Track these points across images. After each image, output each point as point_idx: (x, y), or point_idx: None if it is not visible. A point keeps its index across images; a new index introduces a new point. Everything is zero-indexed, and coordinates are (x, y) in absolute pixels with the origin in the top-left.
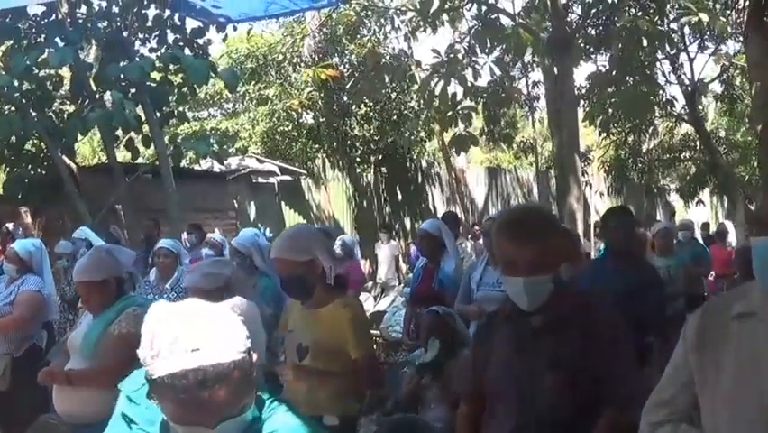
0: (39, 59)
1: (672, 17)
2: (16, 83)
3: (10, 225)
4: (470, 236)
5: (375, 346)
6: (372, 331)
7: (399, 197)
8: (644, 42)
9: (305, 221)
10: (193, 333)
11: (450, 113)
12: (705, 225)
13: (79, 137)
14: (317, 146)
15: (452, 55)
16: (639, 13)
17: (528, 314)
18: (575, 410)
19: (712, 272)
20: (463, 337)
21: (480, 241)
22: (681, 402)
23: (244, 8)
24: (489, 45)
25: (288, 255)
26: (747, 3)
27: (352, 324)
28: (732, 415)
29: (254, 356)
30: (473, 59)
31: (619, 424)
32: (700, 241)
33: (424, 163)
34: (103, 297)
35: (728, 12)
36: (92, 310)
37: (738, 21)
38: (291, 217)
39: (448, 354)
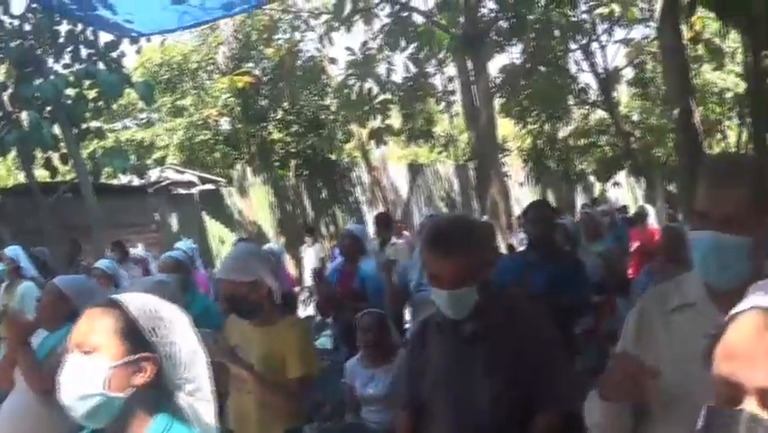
0: None
1: (583, 8)
2: None
3: None
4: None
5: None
6: None
7: (322, 199)
8: (557, 33)
9: (227, 230)
10: None
11: (366, 107)
12: (623, 208)
13: None
14: (236, 153)
15: (366, 53)
16: (551, 6)
17: (459, 322)
18: (512, 415)
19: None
20: (396, 340)
21: (402, 240)
22: None
23: (156, 22)
24: (402, 43)
25: (233, 276)
26: None
27: (298, 344)
28: (673, 406)
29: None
30: (388, 54)
31: (550, 427)
32: (620, 224)
33: (344, 164)
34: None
35: (637, 1)
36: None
37: (649, 9)
38: (213, 227)
39: (382, 358)
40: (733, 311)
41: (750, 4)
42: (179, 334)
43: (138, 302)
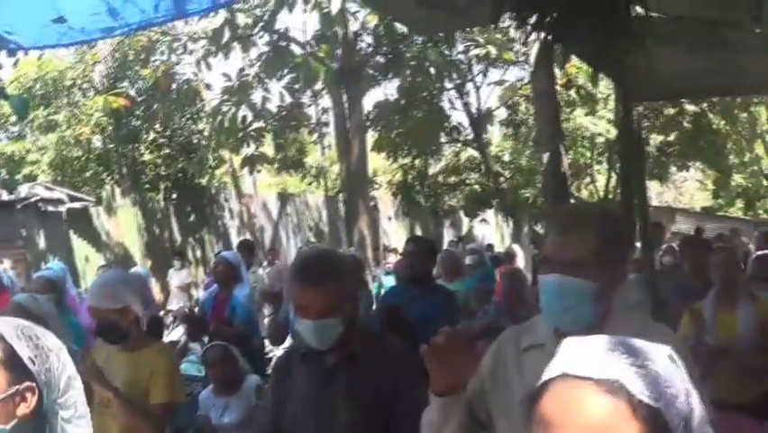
0: None
1: (461, 48)
2: None
3: None
4: (265, 264)
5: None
6: None
7: (190, 223)
8: (432, 71)
9: (94, 250)
10: None
11: (240, 134)
12: (489, 247)
13: None
14: (107, 172)
15: (242, 79)
16: (429, 44)
17: (323, 352)
18: None
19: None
20: (244, 367)
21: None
22: None
23: (37, 36)
24: (278, 72)
25: (101, 303)
26: (535, 37)
27: (165, 371)
28: None
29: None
30: (265, 81)
31: None
32: (489, 264)
33: (213, 190)
34: None
35: (514, 44)
36: None
37: (524, 53)
38: (80, 247)
39: (232, 387)
40: (545, 376)
41: (623, 56)
42: (56, 360)
43: (16, 329)
